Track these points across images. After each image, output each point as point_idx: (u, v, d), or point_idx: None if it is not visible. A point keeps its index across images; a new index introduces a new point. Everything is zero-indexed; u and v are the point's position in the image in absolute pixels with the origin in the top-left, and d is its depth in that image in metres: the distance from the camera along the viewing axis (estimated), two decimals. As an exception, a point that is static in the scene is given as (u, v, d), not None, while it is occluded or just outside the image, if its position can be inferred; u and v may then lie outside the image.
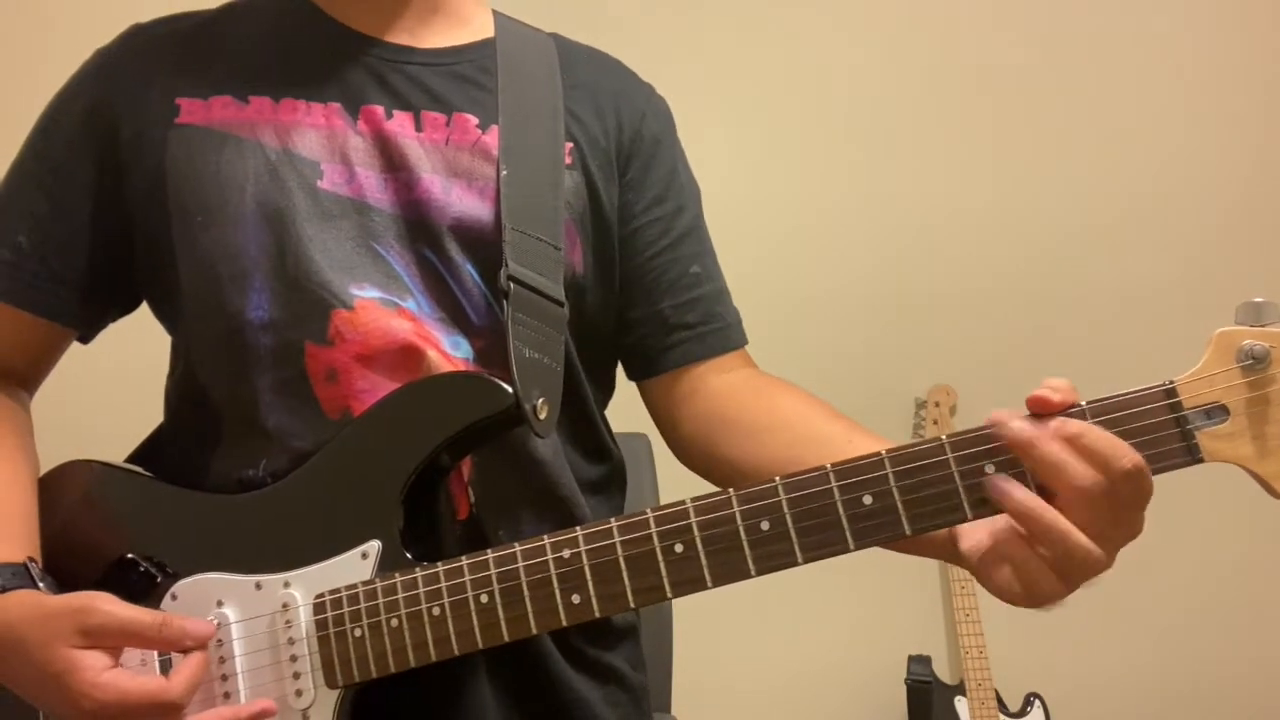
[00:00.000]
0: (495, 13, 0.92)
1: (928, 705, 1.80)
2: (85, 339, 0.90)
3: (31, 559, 0.76)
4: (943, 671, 1.93)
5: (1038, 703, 1.87)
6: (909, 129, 1.97)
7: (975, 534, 0.66)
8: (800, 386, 0.86)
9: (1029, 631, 1.91)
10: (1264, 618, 1.95)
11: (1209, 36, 1.94)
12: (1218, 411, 0.61)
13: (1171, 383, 0.61)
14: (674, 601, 1.42)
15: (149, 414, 0.90)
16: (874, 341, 1.96)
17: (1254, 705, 1.95)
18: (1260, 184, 1.94)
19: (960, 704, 1.83)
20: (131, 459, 0.88)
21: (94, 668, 0.68)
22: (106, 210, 0.83)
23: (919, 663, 1.83)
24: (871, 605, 1.96)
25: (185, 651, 0.71)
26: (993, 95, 1.96)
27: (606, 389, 0.93)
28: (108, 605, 0.69)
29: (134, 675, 0.69)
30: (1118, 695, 1.95)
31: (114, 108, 0.83)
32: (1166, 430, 0.60)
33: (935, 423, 1.90)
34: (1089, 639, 1.95)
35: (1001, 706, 1.85)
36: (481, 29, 0.89)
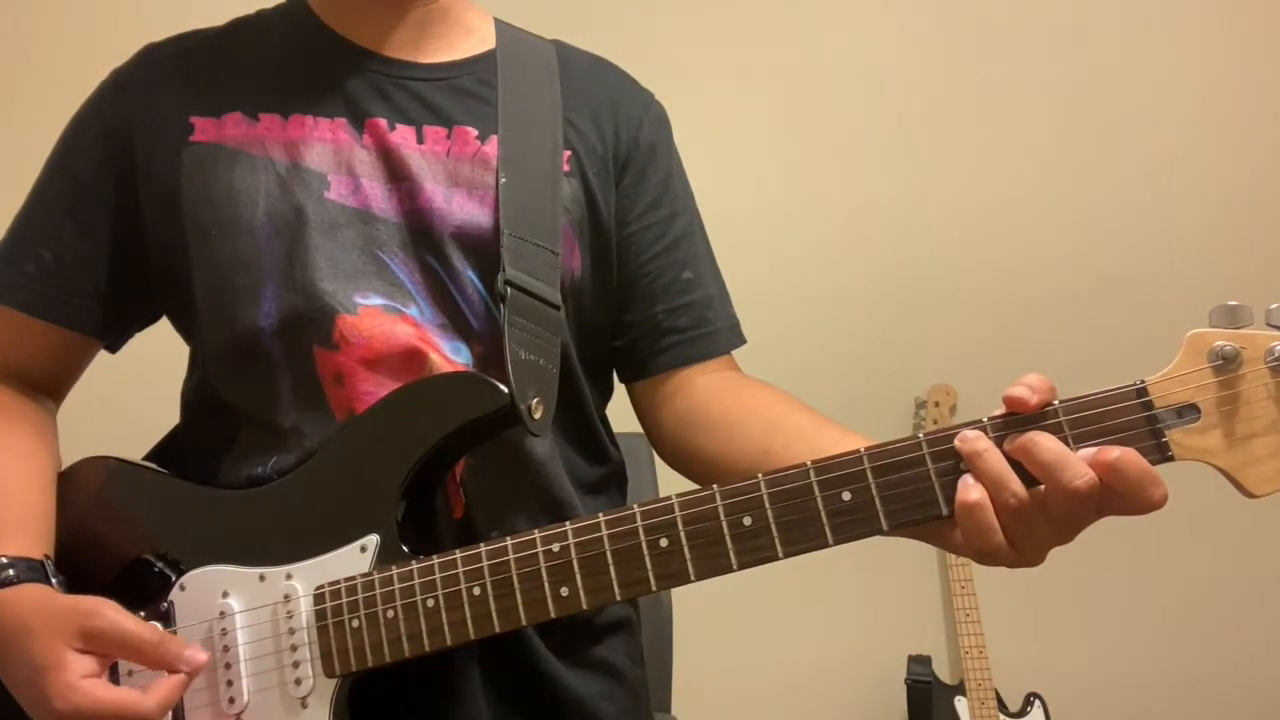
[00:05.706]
0: (497, 22, 0.93)
1: (928, 705, 1.80)
2: (112, 349, 0.92)
3: (47, 556, 0.78)
4: (943, 671, 1.94)
5: (1038, 703, 1.87)
6: (909, 130, 1.97)
7: None
8: (783, 388, 0.87)
9: (1029, 631, 1.92)
10: (1264, 617, 1.95)
11: (1197, 41, 1.94)
12: (1189, 410, 0.62)
13: (1143, 382, 0.63)
14: (674, 601, 1.44)
15: (166, 416, 0.92)
16: (874, 341, 1.97)
17: (1254, 705, 1.95)
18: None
19: (960, 704, 1.83)
20: (148, 458, 0.91)
21: (77, 671, 0.68)
22: (126, 226, 0.86)
23: (919, 663, 1.83)
24: (871, 605, 1.97)
25: (175, 673, 0.71)
26: (993, 97, 1.97)
27: (606, 391, 0.95)
28: (113, 613, 0.70)
29: (111, 686, 0.70)
30: (1118, 695, 1.95)
31: (130, 128, 0.85)
32: (1138, 428, 0.62)
33: (935, 422, 1.89)
34: (1089, 639, 1.95)
35: (1001, 706, 1.85)
36: (483, 40, 0.91)
